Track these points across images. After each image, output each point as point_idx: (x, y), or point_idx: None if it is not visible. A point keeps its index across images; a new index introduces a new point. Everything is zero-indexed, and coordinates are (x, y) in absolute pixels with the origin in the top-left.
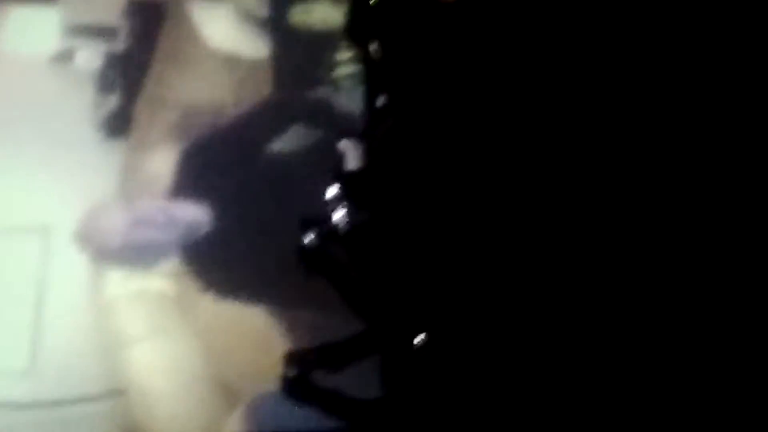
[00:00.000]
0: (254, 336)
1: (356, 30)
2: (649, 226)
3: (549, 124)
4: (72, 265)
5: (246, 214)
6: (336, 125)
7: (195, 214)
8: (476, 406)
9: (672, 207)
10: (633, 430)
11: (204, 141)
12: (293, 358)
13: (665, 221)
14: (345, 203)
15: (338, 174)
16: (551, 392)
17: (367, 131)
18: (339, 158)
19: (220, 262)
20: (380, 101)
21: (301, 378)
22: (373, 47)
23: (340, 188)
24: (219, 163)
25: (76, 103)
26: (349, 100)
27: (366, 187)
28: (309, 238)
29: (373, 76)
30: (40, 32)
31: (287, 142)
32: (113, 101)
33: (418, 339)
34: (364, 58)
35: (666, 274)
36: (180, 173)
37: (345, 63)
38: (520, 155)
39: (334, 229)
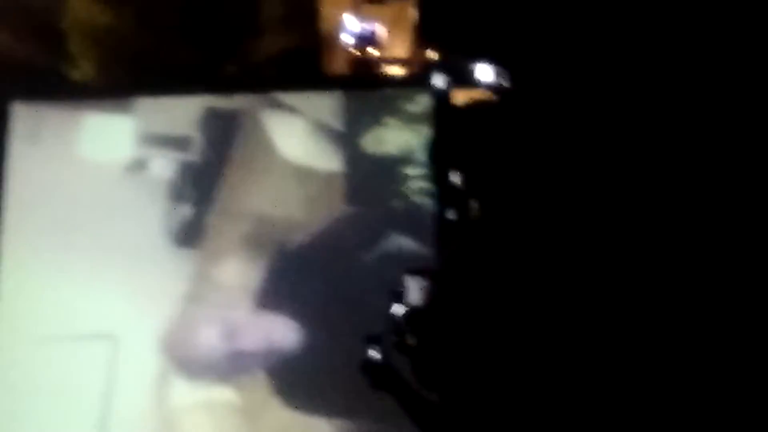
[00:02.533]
0: None
1: (438, 155)
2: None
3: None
4: (139, 373)
5: (328, 327)
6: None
7: (282, 326)
8: None
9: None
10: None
11: (290, 254)
12: None
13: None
14: (407, 329)
15: (400, 317)
16: None
17: (434, 266)
18: (401, 292)
19: (301, 375)
20: (451, 218)
21: None
22: (451, 172)
23: (403, 319)
24: (305, 276)
25: (149, 212)
26: (420, 215)
27: (425, 323)
28: (373, 352)
29: (446, 197)
30: (116, 140)
31: (372, 254)
32: (186, 210)
33: None
34: (440, 179)
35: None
36: (267, 285)
37: (416, 179)
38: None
39: (398, 344)
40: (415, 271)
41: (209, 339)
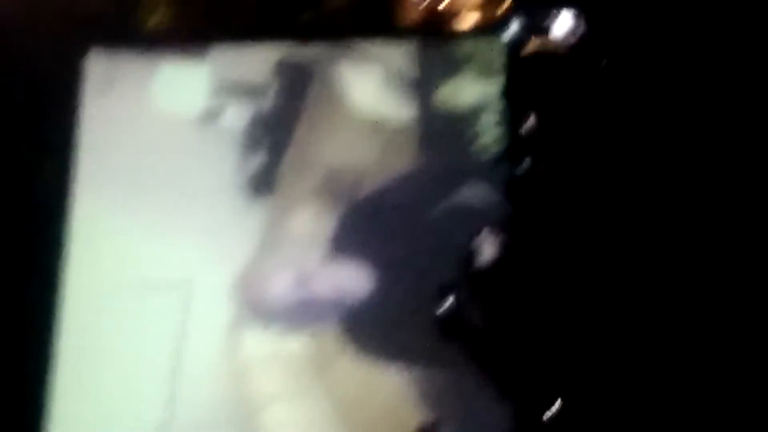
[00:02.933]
0: (388, 398)
1: (511, 105)
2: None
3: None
4: (211, 323)
5: (399, 278)
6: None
7: (355, 276)
8: None
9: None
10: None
11: (365, 204)
12: (425, 429)
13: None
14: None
15: (470, 268)
16: None
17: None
18: (472, 252)
19: (374, 325)
20: (523, 169)
21: None
22: (524, 116)
23: (473, 279)
24: (377, 226)
25: (223, 162)
26: (494, 167)
27: (497, 283)
28: (446, 303)
29: (519, 145)
30: (189, 89)
31: (446, 206)
32: (259, 160)
33: (553, 409)
34: (513, 130)
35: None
36: (340, 234)
37: (491, 131)
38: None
39: (472, 294)
40: (484, 222)
41: (282, 285)
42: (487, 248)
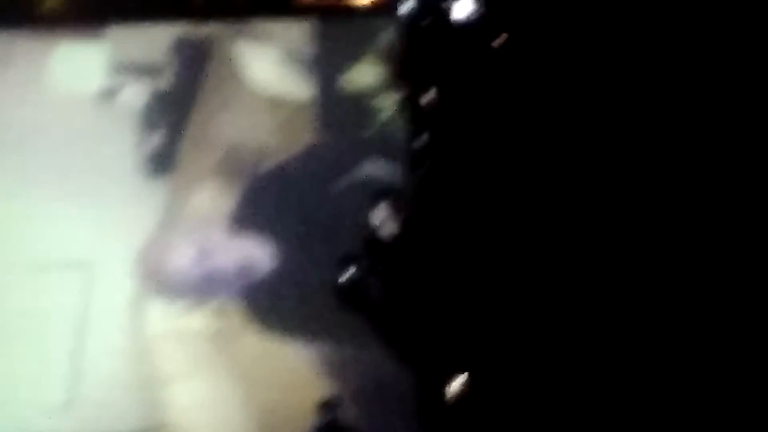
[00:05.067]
0: (292, 373)
1: (408, 74)
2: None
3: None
4: (113, 302)
5: (301, 251)
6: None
7: (256, 249)
8: None
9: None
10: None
11: (263, 180)
12: (327, 404)
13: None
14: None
15: (372, 240)
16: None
17: (404, 193)
18: (372, 225)
19: (276, 298)
20: (421, 143)
21: (334, 425)
22: (422, 93)
23: (374, 251)
24: (278, 201)
25: (121, 140)
26: (391, 142)
27: (399, 255)
28: (348, 274)
29: (417, 121)
30: (87, 68)
31: (346, 181)
32: (158, 138)
33: (458, 380)
34: (410, 102)
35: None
36: (241, 210)
37: (387, 107)
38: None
39: (372, 266)
40: (384, 196)
41: (183, 259)
42: (387, 221)
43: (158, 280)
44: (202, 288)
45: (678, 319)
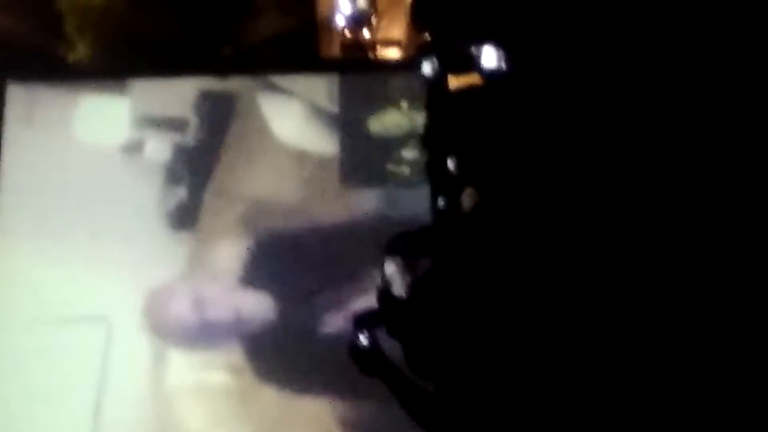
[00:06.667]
0: (315, 429)
1: (431, 141)
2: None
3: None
4: (134, 356)
5: (316, 307)
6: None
7: (259, 302)
8: None
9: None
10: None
11: (274, 237)
12: None
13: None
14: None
15: (383, 297)
16: None
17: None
18: (385, 283)
19: (283, 353)
20: (442, 203)
21: None
22: (446, 158)
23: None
24: (287, 259)
25: (144, 194)
26: (412, 198)
27: (408, 314)
28: (361, 336)
29: (439, 180)
30: (111, 122)
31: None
32: (181, 193)
33: None
34: (433, 166)
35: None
36: (247, 264)
37: (411, 163)
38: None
39: (387, 328)
40: (395, 252)
41: (181, 307)
42: (401, 279)
43: (158, 327)
44: (197, 335)
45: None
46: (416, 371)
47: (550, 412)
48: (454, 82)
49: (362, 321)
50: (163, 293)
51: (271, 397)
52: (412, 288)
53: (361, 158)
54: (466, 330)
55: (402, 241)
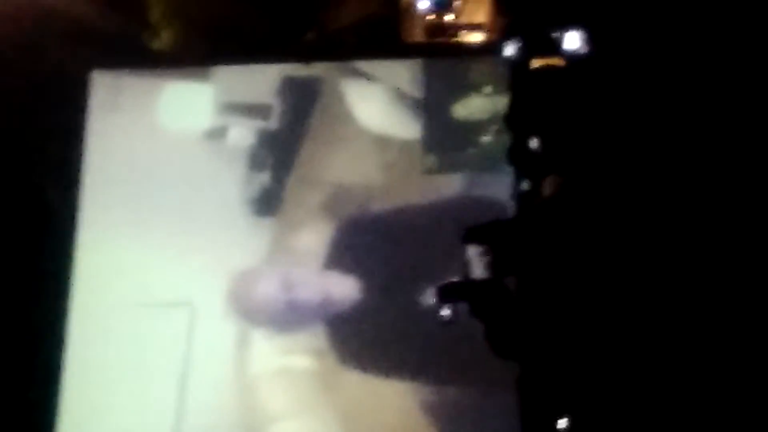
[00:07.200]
0: (397, 413)
1: (514, 124)
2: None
3: None
4: (217, 340)
5: (395, 292)
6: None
7: (344, 286)
8: None
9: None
10: None
11: (358, 222)
12: None
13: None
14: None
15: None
16: None
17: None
18: (467, 266)
19: (366, 337)
20: (525, 186)
21: None
22: (529, 140)
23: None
24: (370, 243)
25: (228, 180)
26: (495, 183)
27: (491, 296)
28: (444, 307)
29: (523, 163)
30: (194, 108)
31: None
32: (264, 179)
33: (562, 422)
34: (516, 144)
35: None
36: (333, 248)
37: (495, 147)
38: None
39: (470, 308)
40: (477, 237)
41: (267, 288)
42: (482, 263)
43: (244, 308)
44: (285, 316)
45: None
46: (498, 351)
47: (632, 394)
48: (537, 64)
49: (446, 293)
50: (250, 275)
51: (353, 382)
52: (494, 271)
53: (444, 143)
54: (546, 313)
55: (484, 227)
